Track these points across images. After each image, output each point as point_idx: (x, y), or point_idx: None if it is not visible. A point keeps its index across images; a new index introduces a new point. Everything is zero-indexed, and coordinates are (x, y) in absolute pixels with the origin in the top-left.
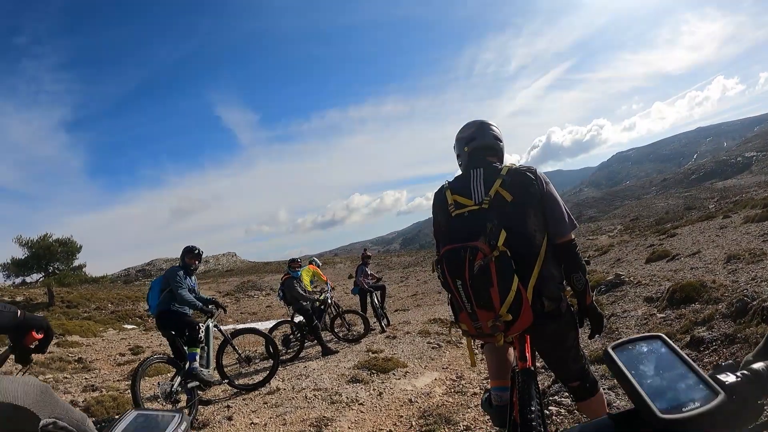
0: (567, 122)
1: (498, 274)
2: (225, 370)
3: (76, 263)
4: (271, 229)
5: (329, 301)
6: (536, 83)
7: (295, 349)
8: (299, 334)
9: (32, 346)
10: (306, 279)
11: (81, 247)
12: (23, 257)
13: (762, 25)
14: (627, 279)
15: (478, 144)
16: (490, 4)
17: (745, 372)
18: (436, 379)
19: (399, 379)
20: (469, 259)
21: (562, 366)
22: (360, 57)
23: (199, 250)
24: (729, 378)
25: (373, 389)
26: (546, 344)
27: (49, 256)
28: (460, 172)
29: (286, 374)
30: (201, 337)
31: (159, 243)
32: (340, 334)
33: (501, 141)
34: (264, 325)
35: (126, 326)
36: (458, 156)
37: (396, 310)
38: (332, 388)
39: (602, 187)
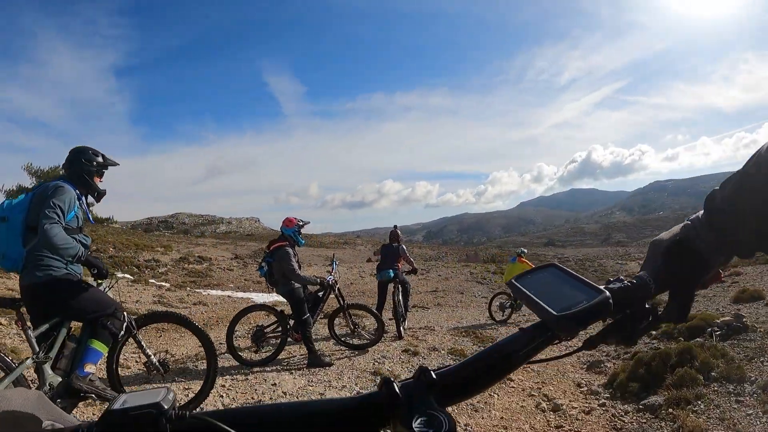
0: (610, 142)
1: None
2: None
3: None
4: (300, 201)
5: (334, 287)
6: (586, 98)
7: (270, 350)
8: (280, 329)
9: None
10: None
11: None
12: (30, 186)
13: None
14: (749, 324)
15: None
16: (553, 13)
17: (630, 279)
18: None
19: None
20: None
21: None
22: (415, 46)
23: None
24: (615, 284)
25: None
26: None
27: None
28: (495, 174)
29: (235, 394)
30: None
31: (187, 198)
32: (342, 336)
33: None
34: (264, 299)
35: (118, 274)
36: None
37: (414, 306)
38: None
39: (634, 213)
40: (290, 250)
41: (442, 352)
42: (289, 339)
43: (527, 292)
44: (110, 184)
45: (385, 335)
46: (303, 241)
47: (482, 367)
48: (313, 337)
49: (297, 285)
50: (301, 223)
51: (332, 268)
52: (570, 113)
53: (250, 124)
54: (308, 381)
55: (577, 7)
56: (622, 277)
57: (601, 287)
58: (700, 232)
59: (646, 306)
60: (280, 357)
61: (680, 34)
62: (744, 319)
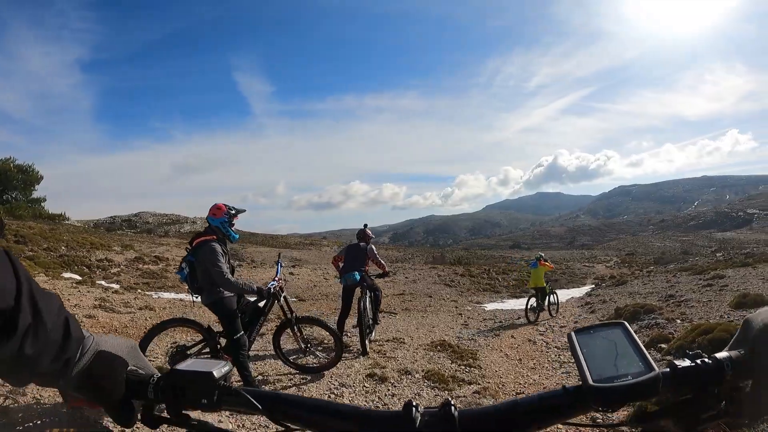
0: (576, 147)
1: None
2: None
3: (34, 195)
4: (267, 201)
5: (279, 295)
6: (553, 104)
7: None
8: (207, 350)
9: None
10: None
11: (42, 177)
12: None
13: None
14: None
15: None
16: (525, 19)
17: (704, 359)
18: None
19: None
20: None
21: None
22: (388, 47)
23: None
24: (683, 363)
25: None
26: None
27: (6, 182)
28: (461, 177)
29: None
30: None
31: (153, 196)
32: (291, 356)
33: None
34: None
35: (65, 275)
36: None
37: (381, 311)
38: None
39: (599, 217)
40: (218, 247)
41: (417, 376)
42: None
43: (578, 349)
44: (73, 183)
45: (347, 353)
46: (236, 236)
47: (511, 416)
48: (256, 357)
49: (227, 294)
50: (233, 212)
51: (276, 272)
52: (538, 118)
53: (219, 123)
54: (238, 423)
55: (548, 15)
56: (699, 351)
57: (655, 365)
58: None
59: (718, 394)
60: None
61: (648, 44)
62: None
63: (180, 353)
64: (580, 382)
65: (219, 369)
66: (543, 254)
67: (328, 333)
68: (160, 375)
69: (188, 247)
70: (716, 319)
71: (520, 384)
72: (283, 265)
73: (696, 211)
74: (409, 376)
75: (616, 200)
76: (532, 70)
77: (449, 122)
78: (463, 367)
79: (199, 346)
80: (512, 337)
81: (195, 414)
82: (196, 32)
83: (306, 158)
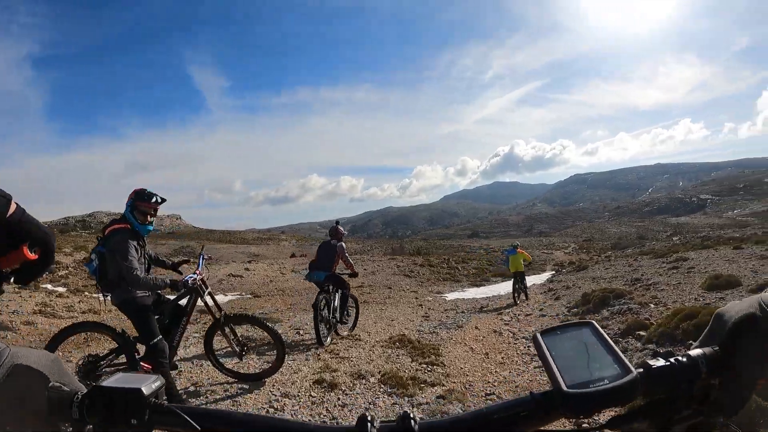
0: (532, 137)
1: None
2: None
3: None
4: (223, 197)
5: (202, 291)
6: (509, 95)
7: None
8: (125, 361)
9: (16, 267)
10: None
11: None
12: None
13: (734, 79)
14: None
15: None
16: (480, 12)
17: (678, 358)
18: None
19: None
20: None
21: None
22: (341, 40)
23: None
24: (658, 362)
25: None
26: None
27: None
28: (419, 168)
29: None
30: None
31: (106, 196)
32: (226, 361)
33: None
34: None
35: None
36: None
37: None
38: None
39: (556, 205)
40: (129, 236)
41: (372, 379)
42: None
43: (546, 352)
44: (25, 183)
45: (299, 352)
46: (150, 227)
47: (476, 429)
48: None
49: (141, 292)
50: (148, 197)
51: (198, 265)
52: (493, 109)
53: (173, 119)
54: None
55: (503, 8)
56: (670, 349)
57: (632, 367)
58: None
59: (692, 393)
60: None
61: (602, 36)
62: None
63: (90, 365)
64: (550, 386)
65: (149, 385)
66: (518, 243)
67: (266, 333)
68: (84, 393)
69: (99, 236)
70: (691, 302)
71: (488, 383)
72: (206, 257)
73: (650, 198)
74: (364, 381)
75: (572, 188)
76: (488, 62)
77: (405, 114)
78: (424, 365)
79: (113, 355)
80: (476, 328)
81: None
82: (149, 26)
83: (262, 153)
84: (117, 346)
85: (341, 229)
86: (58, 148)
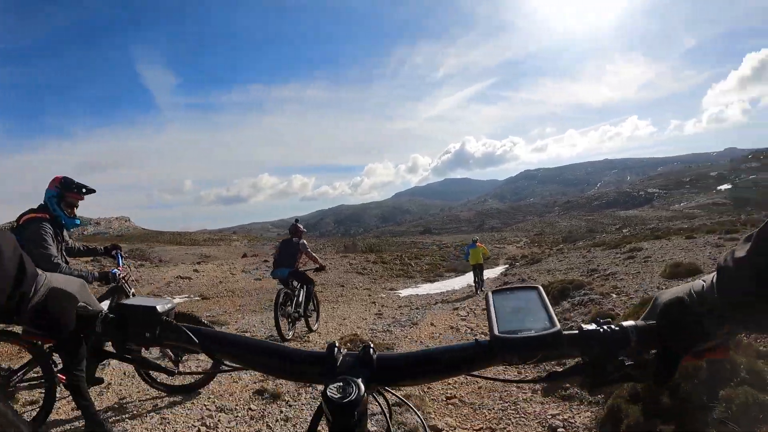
0: (483, 134)
1: None
2: None
3: None
4: (174, 198)
5: (128, 287)
6: (460, 93)
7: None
8: (43, 374)
9: None
10: None
11: None
12: None
13: (680, 78)
14: None
15: None
16: (432, 11)
17: (611, 325)
18: None
19: None
20: None
21: None
22: (292, 37)
23: None
24: (588, 326)
25: None
26: None
27: None
28: (370, 165)
29: None
30: None
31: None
32: (154, 371)
33: None
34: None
35: None
36: None
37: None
38: None
39: (506, 201)
40: (48, 227)
41: (320, 387)
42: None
43: (491, 306)
44: None
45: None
46: (73, 220)
47: (424, 363)
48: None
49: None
50: (77, 187)
51: (118, 263)
52: (444, 107)
53: (122, 117)
54: None
55: (455, 7)
56: (608, 320)
57: (557, 323)
58: (705, 293)
59: (620, 359)
60: (51, 421)
61: (554, 35)
62: None
63: (3, 379)
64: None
65: (163, 305)
66: (477, 237)
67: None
68: (107, 310)
69: (14, 224)
70: (653, 291)
71: (448, 384)
72: (124, 256)
73: (599, 192)
74: (310, 390)
75: (522, 184)
76: (439, 60)
77: (357, 112)
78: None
79: (27, 368)
80: (432, 324)
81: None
82: (96, 22)
83: (213, 152)
84: (32, 357)
85: (301, 227)
86: (3, 147)
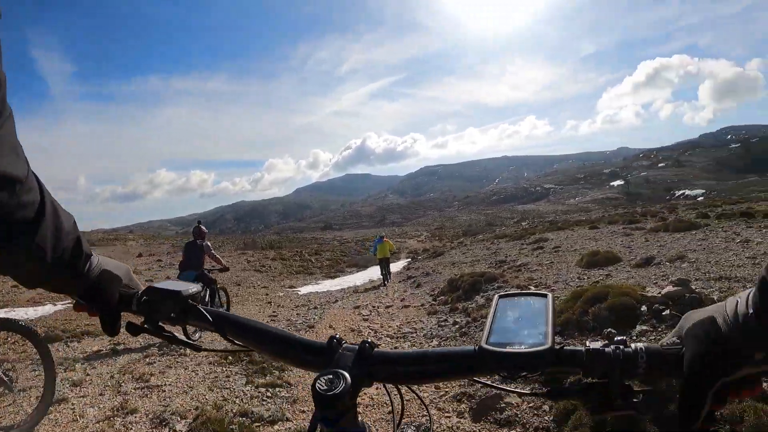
0: (384, 130)
1: None
2: None
3: None
4: (67, 195)
5: None
6: (363, 89)
7: None
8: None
9: None
10: None
11: None
12: None
13: (578, 81)
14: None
15: None
16: (338, 6)
17: (620, 346)
18: None
19: None
20: None
21: None
22: (194, 26)
23: None
24: (594, 343)
25: None
26: None
27: None
28: (271, 161)
29: None
30: None
31: None
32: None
33: None
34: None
35: None
36: None
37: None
38: None
39: (407, 196)
40: None
41: (179, 427)
42: None
43: (494, 312)
44: None
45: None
46: None
47: (423, 363)
48: None
49: None
50: None
51: None
52: (347, 103)
53: (12, 107)
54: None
55: (362, 3)
56: (625, 338)
57: (550, 340)
58: (741, 312)
59: (626, 383)
60: None
61: (457, 36)
62: (691, 285)
63: None
64: None
65: (187, 289)
66: (385, 233)
67: (34, 347)
68: (141, 291)
69: None
70: (575, 281)
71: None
72: None
73: (498, 188)
74: (166, 431)
75: (422, 180)
76: (344, 55)
77: (259, 106)
78: (263, 389)
79: None
80: (330, 327)
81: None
82: None
83: (109, 146)
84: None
85: (204, 228)
86: None
